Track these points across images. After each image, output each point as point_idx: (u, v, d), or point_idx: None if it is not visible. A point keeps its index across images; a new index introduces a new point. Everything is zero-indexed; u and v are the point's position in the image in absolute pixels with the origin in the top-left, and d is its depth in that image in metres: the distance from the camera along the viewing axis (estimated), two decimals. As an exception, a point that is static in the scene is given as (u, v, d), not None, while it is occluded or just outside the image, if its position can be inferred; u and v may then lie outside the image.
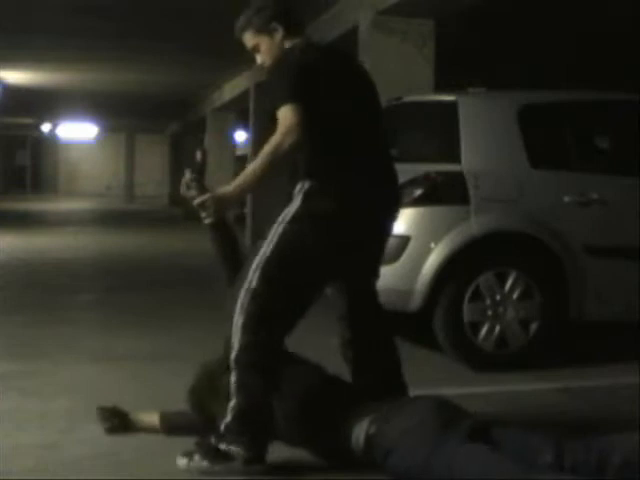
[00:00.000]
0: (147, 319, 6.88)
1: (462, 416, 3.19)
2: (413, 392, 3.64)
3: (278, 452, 3.35)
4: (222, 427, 3.25)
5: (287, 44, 3.53)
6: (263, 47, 3.56)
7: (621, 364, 5.31)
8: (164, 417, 3.71)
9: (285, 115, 3.20)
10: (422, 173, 5.38)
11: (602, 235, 5.40)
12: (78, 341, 5.95)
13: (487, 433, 3.09)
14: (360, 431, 3.20)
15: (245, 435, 3.20)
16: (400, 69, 7.37)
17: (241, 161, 17.62)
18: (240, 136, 22.08)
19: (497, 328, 5.15)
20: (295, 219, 3.30)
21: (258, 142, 13.11)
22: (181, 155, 25.72)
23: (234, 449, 3.19)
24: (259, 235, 3.39)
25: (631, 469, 2.90)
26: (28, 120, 27.43)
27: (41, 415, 4.05)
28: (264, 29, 3.54)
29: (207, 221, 3.39)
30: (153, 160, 33.03)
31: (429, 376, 4.79)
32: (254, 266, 3.27)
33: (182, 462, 3.25)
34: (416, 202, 5.25)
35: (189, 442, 3.34)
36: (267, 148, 3.21)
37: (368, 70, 3.68)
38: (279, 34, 3.53)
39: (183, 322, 6.72)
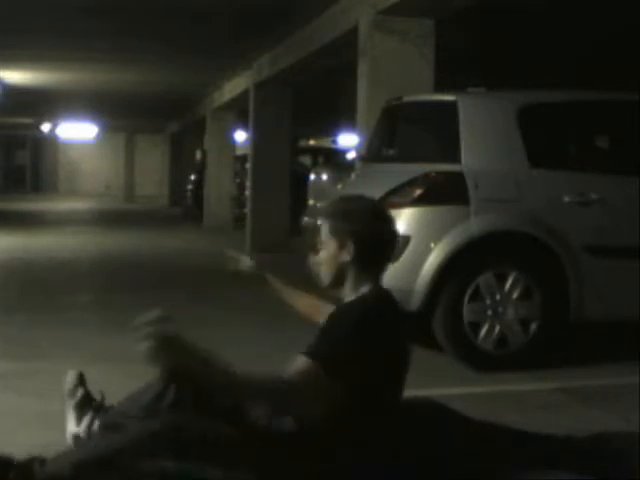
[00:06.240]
0: (147, 319, 6.87)
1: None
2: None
3: None
4: None
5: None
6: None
7: (621, 364, 5.31)
8: None
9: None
10: (422, 173, 5.39)
11: (602, 235, 5.40)
12: (78, 341, 5.95)
13: None
14: None
15: None
16: (400, 69, 7.36)
17: (241, 161, 17.61)
18: (240, 136, 22.05)
19: (497, 328, 5.16)
20: None
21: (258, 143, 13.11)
22: (181, 155, 25.73)
23: None
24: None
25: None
26: (28, 120, 27.38)
27: (41, 415, 4.04)
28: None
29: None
30: (153, 160, 32.99)
31: (429, 376, 4.78)
32: None
33: None
34: (416, 202, 5.26)
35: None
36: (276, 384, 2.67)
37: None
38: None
39: (183, 322, 6.71)
